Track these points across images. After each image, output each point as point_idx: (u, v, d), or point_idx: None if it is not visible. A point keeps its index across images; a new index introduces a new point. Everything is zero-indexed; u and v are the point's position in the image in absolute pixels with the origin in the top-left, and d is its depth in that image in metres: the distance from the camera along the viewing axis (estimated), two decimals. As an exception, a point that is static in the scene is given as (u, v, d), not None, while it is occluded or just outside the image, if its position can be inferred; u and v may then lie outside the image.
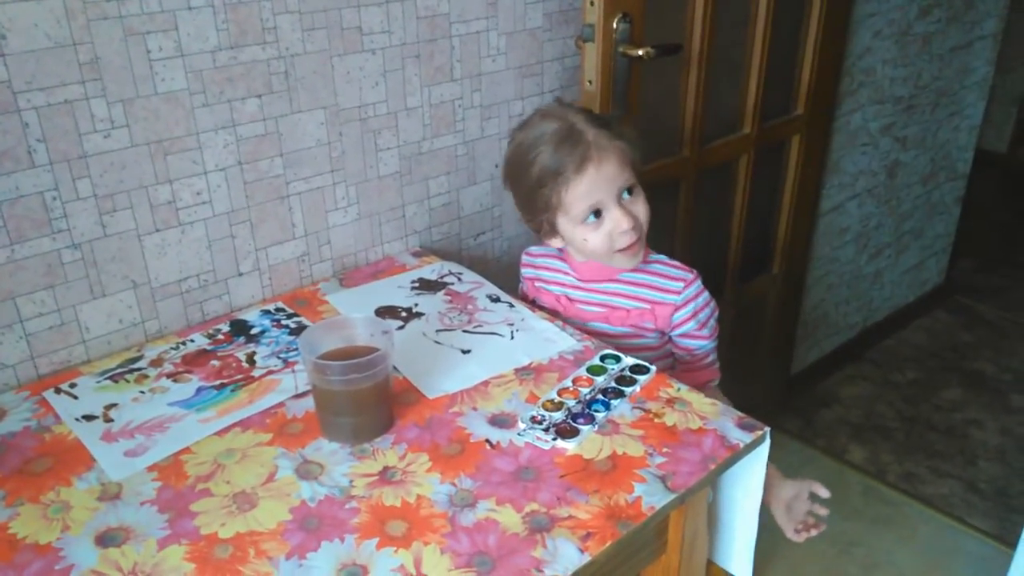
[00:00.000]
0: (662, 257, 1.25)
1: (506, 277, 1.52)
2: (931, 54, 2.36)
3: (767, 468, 0.97)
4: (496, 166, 1.46)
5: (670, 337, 1.24)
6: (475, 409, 0.99)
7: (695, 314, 1.21)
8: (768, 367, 2.24)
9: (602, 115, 1.22)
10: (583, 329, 1.19)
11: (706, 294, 1.23)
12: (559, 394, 1.00)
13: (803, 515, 1.15)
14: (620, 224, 1.13)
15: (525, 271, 1.33)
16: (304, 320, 1.18)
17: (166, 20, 1.04)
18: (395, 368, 1.04)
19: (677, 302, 1.20)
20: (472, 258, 1.49)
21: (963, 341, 2.77)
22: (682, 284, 1.20)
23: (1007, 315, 2.91)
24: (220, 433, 0.95)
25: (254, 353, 1.10)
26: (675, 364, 1.28)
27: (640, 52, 1.37)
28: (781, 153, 1.98)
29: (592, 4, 1.36)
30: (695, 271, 1.23)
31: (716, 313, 1.24)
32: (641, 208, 1.16)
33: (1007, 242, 3.39)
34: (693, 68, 1.58)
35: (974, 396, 2.48)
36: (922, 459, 2.23)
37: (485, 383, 1.03)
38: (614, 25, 1.37)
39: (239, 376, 1.05)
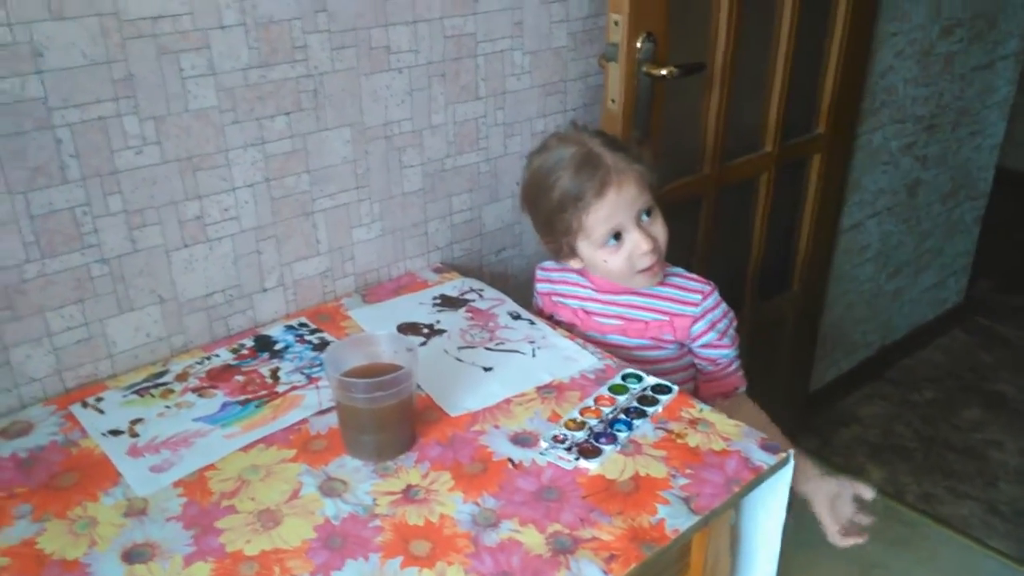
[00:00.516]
0: (679, 270, 1.26)
1: (526, 294, 1.52)
2: (953, 74, 2.36)
3: (805, 462, 0.97)
4: (517, 184, 1.47)
5: (690, 349, 1.25)
6: (497, 427, 0.99)
7: (713, 325, 1.22)
8: (786, 385, 2.23)
9: (617, 138, 1.23)
10: (600, 343, 1.20)
11: (724, 305, 1.24)
12: (581, 413, 1.00)
13: (848, 518, 1.09)
14: (640, 246, 1.14)
15: (540, 286, 1.33)
16: (327, 336, 1.19)
17: (199, 38, 1.05)
18: (418, 386, 1.04)
19: (696, 314, 1.21)
20: (493, 275, 1.50)
21: (982, 361, 2.75)
22: (700, 296, 1.22)
23: (1026, 335, 2.89)
24: (245, 449, 0.95)
25: (278, 369, 1.11)
26: (696, 376, 1.28)
27: (664, 72, 1.38)
28: (802, 171, 1.98)
29: (616, 24, 1.37)
30: (712, 283, 1.24)
31: (735, 323, 1.25)
32: (660, 229, 1.17)
33: (1026, 261, 3.37)
34: (715, 86, 1.59)
35: (994, 417, 2.46)
36: (940, 479, 2.21)
37: (507, 401, 1.04)
38: (638, 44, 1.37)
39: (263, 392, 1.06)
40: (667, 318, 1.22)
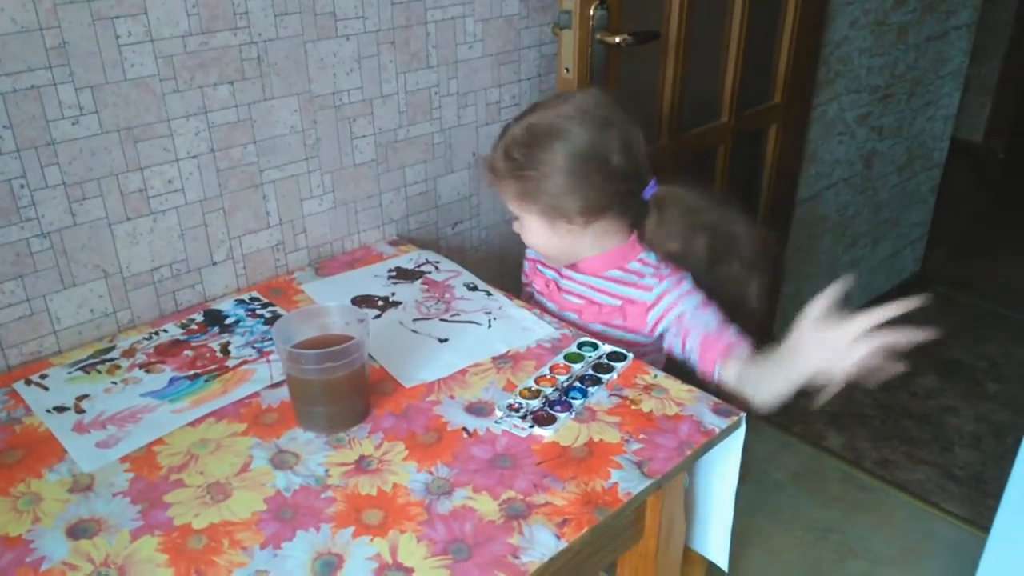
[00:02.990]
0: (652, 258, 1.18)
1: (484, 266, 1.52)
2: (907, 44, 2.37)
3: (782, 347, 0.92)
4: (473, 154, 1.45)
5: (672, 352, 1.17)
6: (452, 398, 0.98)
7: (672, 311, 1.13)
8: (746, 356, 2.25)
9: (536, 135, 1.11)
10: (560, 319, 1.19)
11: (693, 296, 1.14)
12: (536, 382, 1.00)
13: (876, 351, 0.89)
14: None
15: (530, 252, 1.32)
16: (279, 310, 1.17)
17: (135, 4, 1.02)
18: (371, 357, 1.03)
19: (648, 300, 1.15)
20: (450, 248, 1.48)
21: (938, 329, 2.79)
22: (656, 280, 1.15)
23: (982, 303, 2.94)
24: (194, 424, 0.93)
25: (228, 343, 1.08)
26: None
27: (618, 39, 1.37)
28: (758, 142, 1.99)
29: (569, -10, 1.35)
30: (682, 272, 1.16)
31: (711, 309, 1.13)
32: (528, 239, 1.20)
33: (981, 231, 3.42)
34: (670, 56, 1.58)
35: (950, 384, 2.50)
36: (898, 445, 2.24)
37: (462, 372, 1.03)
38: (591, 12, 1.36)
39: (213, 366, 1.04)
40: (619, 303, 1.17)
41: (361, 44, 1.24)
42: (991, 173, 4.00)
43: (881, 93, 2.38)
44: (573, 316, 1.22)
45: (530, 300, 1.29)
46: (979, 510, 2.02)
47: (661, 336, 1.17)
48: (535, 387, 0.99)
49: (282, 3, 1.14)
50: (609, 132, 1.10)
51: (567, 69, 1.40)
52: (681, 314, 1.14)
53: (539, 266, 1.29)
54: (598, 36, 1.38)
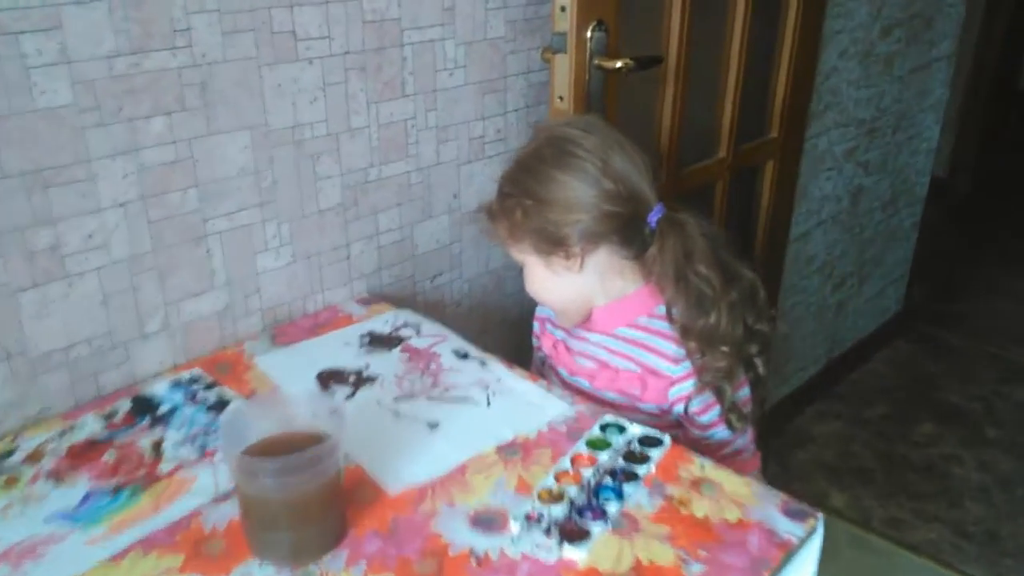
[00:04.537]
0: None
1: (466, 323, 1.32)
2: (892, 75, 2.28)
3: None
4: (455, 196, 1.26)
5: (677, 419, 1.02)
6: (452, 505, 0.77)
7: (697, 393, 0.98)
8: (742, 408, 2.08)
9: (540, 172, 0.97)
10: (568, 385, 1.00)
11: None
12: (557, 479, 0.80)
13: None
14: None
15: (540, 310, 1.16)
16: (227, 391, 0.95)
17: (47, 17, 0.81)
18: (346, 455, 0.82)
19: (675, 374, 0.98)
20: (428, 303, 1.28)
21: (928, 371, 2.69)
22: (684, 351, 0.98)
23: (967, 342, 2.85)
24: (115, 559, 0.71)
25: (161, 440, 0.86)
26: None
27: (619, 64, 1.20)
28: (753, 179, 1.84)
29: (563, 10, 1.18)
30: None
31: (740, 394, 1.00)
32: (529, 286, 1.04)
33: (957, 268, 3.36)
34: (669, 85, 1.42)
35: (948, 430, 2.38)
36: (905, 501, 2.10)
37: (461, 468, 0.82)
38: (588, 34, 1.19)
39: (141, 473, 0.81)
40: (639, 371, 1.00)
41: (326, 69, 1.04)
42: (961, 209, 3.96)
43: (867, 127, 2.27)
44: (584, 382, 1.03)
45: (542, 366, 1.11)
46: (998, 570, 1.87)
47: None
48: (556, 487, 0.79)
49: (231, 19, 0.94)
50: (602, 153, 0.95)
51: (560, 98, 1.23)
52: (698, 398, 0.99)
53: (549, 325, 1.11)
54: (596, 61, 1.21)
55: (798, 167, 1.95)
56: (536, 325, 1.16)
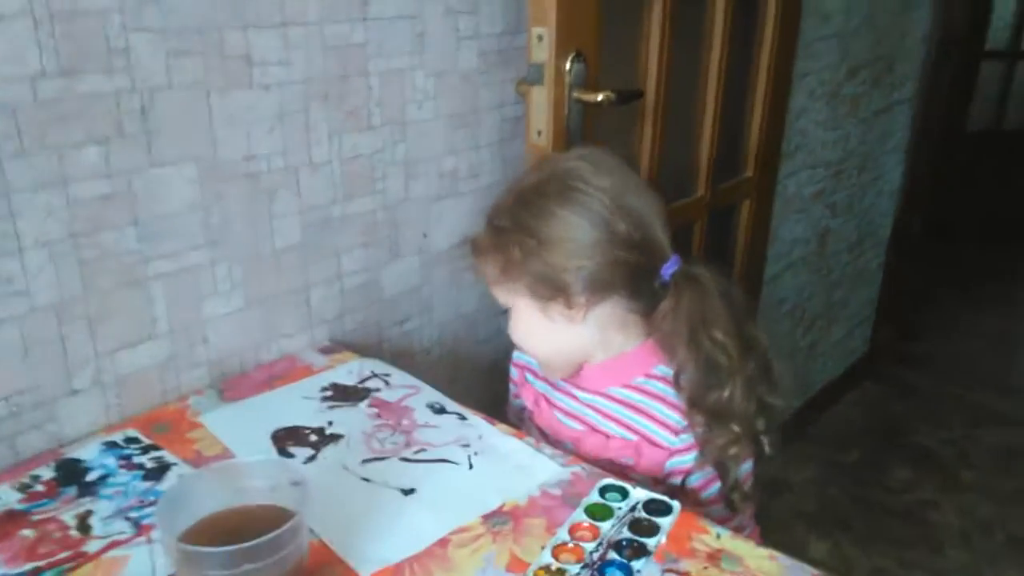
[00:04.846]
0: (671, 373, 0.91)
1: (436, 372, 1.22)
2: (857, 117, 2.28)
3: None
4: (424, 235, 1.17)
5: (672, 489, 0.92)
6: (433, 588, 0.67)
7: (703, 469, 0.89)
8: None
9: (537, 207, 0.88)
10: (550, 443, 0.91)
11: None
12: (555, 555, 0.70)
13: None
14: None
15: (518, 356, 1.05)
16: (167, 455, 0.83)
17: (-44, 29, 0.71)
18: (310, 530, 0.70)
19: (674, 446, 0.89)
20: (396, 351, 1.18)
21: (897, 413, 2.66)
22: (686, 423, 0.89)
23: (933, 383, 2.84)
24: (22, 671, 0.58)
25: (89, 513, 0.74)
26: None
27: (600, 97, 1.13)
28: (728, 219, 1.79)
29: (540, 39, 1.11)
30: None
31: (742, 469, 0.91)
32: (515, 335, 0.94)
33: (920, 309, 3.37)
34: (648, 121, 1.36)
35: (923, 474, 2.34)
36: (887, 549, 2.03)
37: (442, 543, 0.72)
38: (567, 65, 1.12)
39: (64, 555, 0.69)
40: (635, 439, 0.90)
41: (285, 97, 0.95)
42: (917, 249, 3.99)
43: (834, 168, 2.26)
44: (567, 446, 0.93)
45: (520, 416, 1.00)
46: (985, 620, 1.81)
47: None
48: (556, 565, 0.69)
49: (178, 39, 0.84)
50: (614, 192, 0.86)
51: (539, 132, 1.15)
52: (700, 473, 0.90)
53: (529, 375, 1.01)
54: (575, 94, 1.14)
55: (772, 207, 1.91)
56: (515, 371, 1.06)
